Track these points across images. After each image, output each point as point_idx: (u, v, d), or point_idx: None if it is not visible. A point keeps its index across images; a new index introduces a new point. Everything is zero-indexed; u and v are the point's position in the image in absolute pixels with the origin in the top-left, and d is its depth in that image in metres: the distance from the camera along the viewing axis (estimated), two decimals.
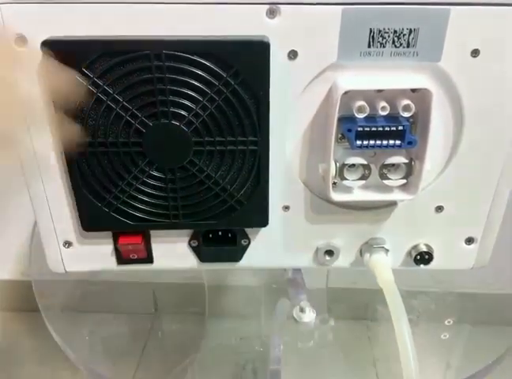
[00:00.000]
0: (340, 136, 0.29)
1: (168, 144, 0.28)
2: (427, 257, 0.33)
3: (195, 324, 0.60)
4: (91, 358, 0.46)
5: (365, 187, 0.30)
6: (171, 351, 0.57)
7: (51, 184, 0.30)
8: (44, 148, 0.29)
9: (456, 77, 0.28)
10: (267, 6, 0.26)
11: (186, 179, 0.29)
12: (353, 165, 0.29)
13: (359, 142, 0.28)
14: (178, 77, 0.26)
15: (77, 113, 0.27)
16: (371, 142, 0.28)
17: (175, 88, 0.27)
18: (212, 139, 0.28)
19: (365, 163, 0.29)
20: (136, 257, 0.33)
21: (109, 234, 0.32)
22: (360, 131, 0.27)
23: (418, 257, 0.33)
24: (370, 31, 0.26)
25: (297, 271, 0.40)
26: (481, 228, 0.33)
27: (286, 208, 0.32)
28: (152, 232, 0.33)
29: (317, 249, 0.34)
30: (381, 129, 0.27)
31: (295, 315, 0.39)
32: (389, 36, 0.26)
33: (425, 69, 0.27)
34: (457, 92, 0.28)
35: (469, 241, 0.33)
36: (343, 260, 0.34)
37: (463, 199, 0.32)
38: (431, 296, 0.49)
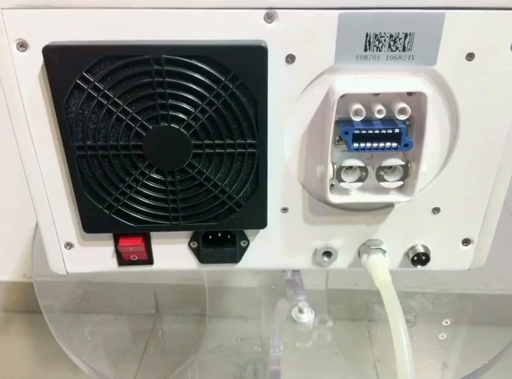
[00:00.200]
0: (337, 138, 0.29)
1: (168, 146, 0.29)
2: (424, 258, 0.33)
3: (196, 324, 0.60)
4: (92, 359, 0.46)
5: (362, 189, 0.30)
6: (172, 352, 0.57)
7: (53, 186, 0.31)
8: (46, 150, 0.30)
9: (451, 81, 0.28)
10: (265, 11, 0.26)
11: (186, 181, 0.30)
12: (350, 167, 0.30)
13: (356, 145, 0.28)
14: (178, 81, 0.27)
15: (78, 116, 0.27)
16: (368, 144, 0.28)
17: (174, 92, 0.27)
18: (211, 142, 0.28)
19: (362, 165, 0.29)
20: (136, 258, 0.33)
21: (110, 235, 0.33)
22: (357, 134, 0.28)
23: (415, 258, 0.33)
24: (367, 36, 0.27)
25: (296, 272, 0.40)
26: (478, 230, 0.33)
27: (284, 209, 0.32)
28: (153, 234, 0.33)
29: (315, 251, 0.34)
30: (377, 131, 0.28)
31: (293, 316, 0.40)
32: (385, 40, 0.27)
33: (421, 72, 0.28)
34: (453, 95, 0.28)
35: (466, 242, 0.34)
36: (341, 262, 0.34)
37: (459, 201, 0.32)
38: (428, 297, 0.49)
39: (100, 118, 0.27)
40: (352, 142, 0.28)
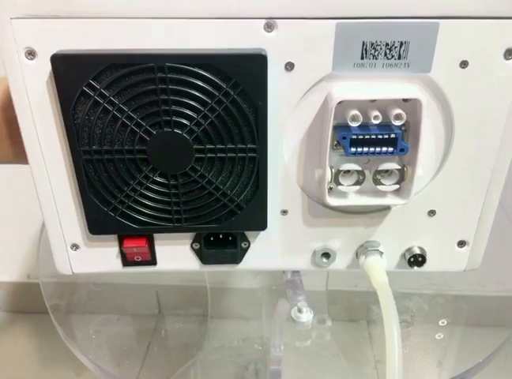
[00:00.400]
0: (335, 143, 0.30)
1: (171, 151, 0.29)
2: (420, 259, 0.34)
3: (198, 325, 0.60)
4: (95, 359, 0.47)
5: (360, 192, 0.31)
6: (175, 352, 0.57)
7: (60, 189, 0.31)
8: (53, 154, 0.30)
9: (446, 87, 0.29)
10: (265, 21, 0.27)
11: (188, 185, 0.30)
12: (348, 171, 0.30)
13: (353, 149, 0.29)
14: (181, 88, 0.27)
15: (84, 122, 0.28)
16: (365, 149, 0.29)
17: (177, 99, 0.28)
18: (212, 146, 0.29)
19: (359, 169, 0.30)
20: (140, 259, 0.34)
21: (114, 237, 0.33)
22: (354, 139, 0.28)
23: (412, 259, 0.34)
24: (363, 44, 0.27)
25: (295, 273, 0.41)
26: (473, 232, 0.34)
27: (284, 212, 0.33)
28: (156, 235, 0.34)
29: (314, 252, 0.35)
30: (374, 136, 0.28)
31: (292, 315, 0.40)
32: (381, 49, 0.27)
33: (416, 79, 0.28)
34: (447, 102, 0.29)
35: (461, 244, 0.34)
36: (339, 263, 0.35)
37: (454, 203, 0.33)
38: (425, 298, 0.50)
39: (106, 123, 0.28)
40: (350, 147, 0.29)
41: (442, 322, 0.46)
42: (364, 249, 0.34)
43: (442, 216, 0.33)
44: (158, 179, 0.30)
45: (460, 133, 0.30)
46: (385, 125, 0.28)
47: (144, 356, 0.55)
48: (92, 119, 0.28)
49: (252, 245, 0.34)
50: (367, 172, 0.30)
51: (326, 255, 0.35)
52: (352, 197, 0.31)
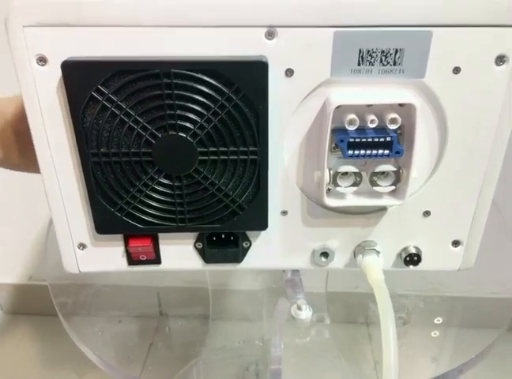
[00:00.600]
0: (333, 146, 0.30)
1: (175, 153, 0.30)
2: (416, 258, 0.35)
3: (199, 326, 0.60)
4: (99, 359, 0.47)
5: (357, 193, 0.32)
6: (176, 353, 0.57)
7: (68, 190, 0.32)
8: (62, 157, 0.31)
9: (439, 93, 0.29)
10: (266, 29, 0.28)
11: (192, 186, 0.31)
12: (346, 173, 0.31)
13: (350, 152, 0.30)
14: (185, 93, 0.28)
15: (93, 126, 0.29)
16: (362, 152, 0.30)
17: (182, 103, 0.29)
18: (215, 149, 0.30)
19: (356, 171, 0.31)
20: (145, 258, 0.35)
21: (120, 236, 0.34)
22: (352, 142, 0.29)
23: (407, 258, 0.35)
24: (360, 51, 0.28)
25: (295, 272, 0.42)
26: (466, 232, 0.35)
27: (284, 212, 0.34)
28: (160, 235, 0.34)
29: (313, 251, 0.35)
30: (370, 140, 0.29)
31: (292, 312, 0.41)
32: (377, 56, 0.28)
33: (410, 85, 0.29)
34: (441, 106, 0.30)
35: (456, 243, 0.35)
36: (338, 262, 0.36)
37: (449, 204, 0.33)
38: (421, 298, 0.50)
39: (113, 127, 0.29)
40: (347, 149, 0.30)
41: (438, 320, 0.47)
42: (362, 248, 0.35)
43: (436, 217, 0.34)
44: (163, 181, 0.31)
45: (453, 136, 0.31)
46: (381, 129, 0.29)
47: (146, 357, 0.56)
48: (101, 123, 0.29)
49: (253, 244, 0.35)
50: (363, 174, 0.31)
51: (325, 254, 0.35)
52: (350, 197, 0.32)
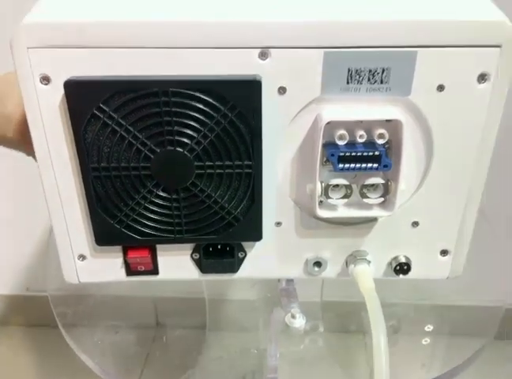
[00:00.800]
0: (324, 160, 0.32)
1: (173, 168, 0.31)
2: (405, 267, 0.36)
3: (196, 336, 0.60)
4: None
5: (348, 205, 0.33)
6: (173, 364, 0.57)
7: (69, 203, 0.33)
8: (63, 171, 0.32)
9: (424, 109, 0.31)
10: (259, 50, 0.29)
11: (189, 199, 0.32)
12: (337, 185, 0.32)
13: (341, 165, 0.31)
14: (183, 111, 0.29)
15: (94, 141, 0.30)
16: (352, 165, 0.31)
17: (179, 120, 0.30)
18: (212, 163, 0.31)
19: (347, 183, 0.32)
20: (143, 268, 0.36)
21: (119, 248, 0.35)
22: (342, 156, 0.31)
23: (397, 267, 0.36)
24: (349, 71, 0.29)
25: (289, 281, 0.43)
26: (454, 241, 0.35)
27: (278, 223, 0.35)
28: (158, 246, 0.35)
29: (306, 261, 0.36)
30: (360, 154, 0.30)
31: (286, 321, 0.42)
32: (364, 75, 0.29)
33: (397, 102, 0.30)
34: (426, 122, 0.31)
35: (444, 253, 0.36)
36: (330, 271, 0.37)
37: (436, 215, 0.35)
38: (411, 307, 0.51)
39: (114, 142, 0.30)
40: (338, 163, 0.31)
41: (428, 327, 0.48)
42: (353, 258, 0.36)
43: (424, 227, 0.35)
44: (161, 194, 0.32)
45: (439, 150, 0.32)
46: (370, 144, 0.31)
47: (143, 368, 0.56)
48: (101, 139, 0.30)
49: (248, 254, 0.36)
50: (354, 186, 0.32)
51: (318, 264, 0.36)
52: (341, 209, 0.33)
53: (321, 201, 0.33)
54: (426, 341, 0.48)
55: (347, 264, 0.36)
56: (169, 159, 0.31)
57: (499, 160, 0.37)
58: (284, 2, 0.31)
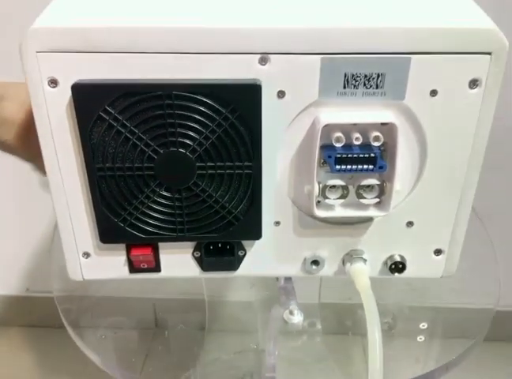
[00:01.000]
0: (322, 161, 0.32)
1: (176, 168, 0.32)
2: (400, 266, 0.37)
3: (195, 337, 0.61)
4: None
5: (344, 205, 0.34)
6: (172, 365, 0.57)
7: (74, 202, 0.34)
8: (70, 171, 0.33)
9: (418, 113, 0.32)
10: (259, 55, 0.30)
11: (191, 198, 0.33)
12: (334, 186, 0.33)
13: (338, 167, 0.32)
14: (185, 113, 0.30)
15: (99, 142, 0.31)
16: (348, 167, 0.32)
17: (182, 122, 0.31)
18: (213, 164, 0.32)
19: (344, 184, 0.33)
20: (146, 266, 0.37)
21: (123, 246, 0.36)
22: (339, 157, 0.32)
23: (393, 266, 0.37)
24: (345, 76, 0.30)
25: (288, 279, 0.44)
26: (447, 241, 0.36)
27: (277, 223, 0.36)
28: (161, 244, 0.36)
29: (304, 260, 0.37)
30: (356, 155, 0.32)
31: (285, 317, 0.43)
32: (360, 80, 0.30)
33: (392, 106, 0.31)
34: (420, 125, 0.32)
35: (438, 252, 0.37)
36: (327, 269, 0.38)
37: (430, 215, 0.35)
38: (405, 307, 0.52)
39: (119, 143, 0.31)
40: (335, 164, 0.32)
41: (423, 325, 0.49)
42: (350, 256, 0.37)
43: (419, 227, 0.36)
44: (164, 193, 0.33)
45: (432, 152, 0.33)
46: (366, 146, 0.32)
47: (142, 368, 0.56)
48: (107, 140, 0.31)
49: (248, 253, 0.37)
50: (350, 187, 0.33)
51: (316, 262, 0.37)
52: (338, 209, 0.34)
53: (318, 201, 0.34)
54: (421, 339, 0.49)
55: (343, 262, 0.37)
56: (172, 160, 0.32)
57: (499, 160, 0.38)
58: (282, 10, 0.32)
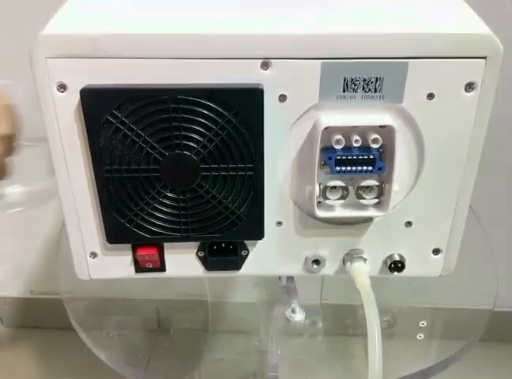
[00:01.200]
0: (322, 163, 0.33)
1: (180, 170, 0.33)
2: (400, 265, 0.37)
3: (198, 338, 0.61)
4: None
5: (344, 205, 0.35)
6: (175, 366, 0.57)
7: (82, 203, 0.35)
8: (77, 173, 0.34)
9: (416, 116, 0.32)
10: (261, 60, 0.31)
11: (195, 199, 0.34)
12: (334, 187, 0.34)
13: (338, 168, 0.33)
14: (190, 117, 0.31)
15: (106, 145, 0.32)
16: (348, 168, 0.33)
17: (186, 125, 0.31)
18: (216, 166, 0.33)
19: (344, 185, 0.34)
20: (151, 266, 0.37)
21: (129, 246, 0.37)
22: (339, 159, 0.32)
23: (392, 265, 0.37)
24: (344, 80, 0.31)
25: (290, 279, 0.44)
26: (446, 241, 0.37)
27: (279, 223, 0.36)
28: (166, 244, 0.37)
29: (306, 259, 0.38)
30: (355, 157, 0.32)
31: (287, 315, 0.44)
32: (359, 83, 0.31)
33: (390, 109, 0.32)
34: (418, 128, 0.33)
35: (436, 251, 0.38)
36: (328, 269, 0.38)
37: (428, 215, 0.36)
38: (404, 307, 0.53)
39: (125, 146, 0.32)
40: (335, 166, 0.33)
41: (422, 323, 0.50)
42: (350, 256, 0.37)
43: (417, 227, 0.37)
44: (169, 194, 0.34)
45: (430, 154, 0.34)
46: (365, 148, 0.32)
47: (145, 370, 0.57)
48: (114, 143, 0.32)
49: (251, 252, 0.37)
50: (350, 188, 0.34)
51: (317, 262, 0.38)
52: (338, 209, 0.35)
53: (319, 202, 0.35)
54: (420, 337, 0.50)
55: (344, 261, 0.38)
56: (177, 162, 0.33)
57: (500, 160, 0.39)
58: (284, 16, 0.33)
